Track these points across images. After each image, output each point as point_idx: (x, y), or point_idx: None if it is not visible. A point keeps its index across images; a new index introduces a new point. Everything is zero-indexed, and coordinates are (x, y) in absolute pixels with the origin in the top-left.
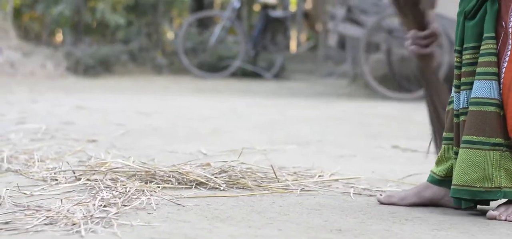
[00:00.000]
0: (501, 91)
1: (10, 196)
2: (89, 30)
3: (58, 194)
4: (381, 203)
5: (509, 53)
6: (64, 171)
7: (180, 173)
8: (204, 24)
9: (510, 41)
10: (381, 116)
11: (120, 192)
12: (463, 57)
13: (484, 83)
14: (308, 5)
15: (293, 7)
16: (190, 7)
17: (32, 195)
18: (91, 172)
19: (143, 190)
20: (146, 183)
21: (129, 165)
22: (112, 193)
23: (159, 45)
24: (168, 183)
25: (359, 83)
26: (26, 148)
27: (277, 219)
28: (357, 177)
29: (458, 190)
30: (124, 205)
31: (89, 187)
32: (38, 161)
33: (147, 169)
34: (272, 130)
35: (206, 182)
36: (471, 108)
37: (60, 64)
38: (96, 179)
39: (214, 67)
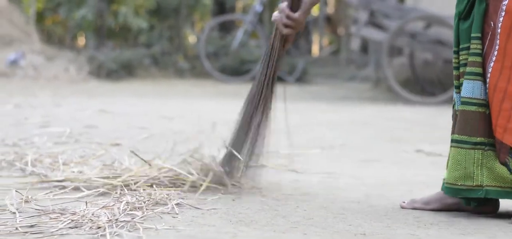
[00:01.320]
0: (486, 90)
1: (34, 199)
2: (111, 34)
3: (83, 198)
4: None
5: (495, 53)
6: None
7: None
8: (226, 28)
9: (497, 42)
10: (405, 120)
11: (144, 196)
12: (460, 58)
13: (468, 83)
14: (330, 9)
15: (315, 11)
16: (212, 11)
17: (56, 198)
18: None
19: (167, 194)
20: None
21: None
22: (136, 197)
23: (181, 49)
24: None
25: (382, 87)
26: (50, 152)
27: (302, 223)
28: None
29: (446, 188)
30: (149, 209)
31: (113, 191)
32: (62, 165)
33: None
34: (295, 134)
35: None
36: (459, 107)
37: (83, 68)
38: (121, 184)
39: (236, 71)
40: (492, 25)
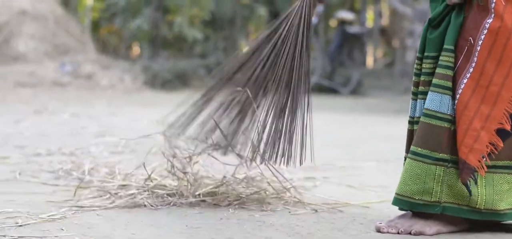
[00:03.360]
0: (454, 106)
1: (93, 209)
2: (166, 44)
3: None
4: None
5: (471, 70)
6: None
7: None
8: None
9: (475, 59)
10: None
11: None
12: (423, 66)
13: (436, 96)
14: (385, 21)
15: (369, 23)
16: (266, 21)
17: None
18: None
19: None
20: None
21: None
22: (192, 206)
23: None
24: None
25: None
26: (107, 161)
27: (359, 237)
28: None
29: (399, 199)
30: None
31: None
32: (119, 174)
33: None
34: (350, 147)
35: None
36: (421, 118)
37: (138, 78)
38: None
39: None
40: (471, 40)
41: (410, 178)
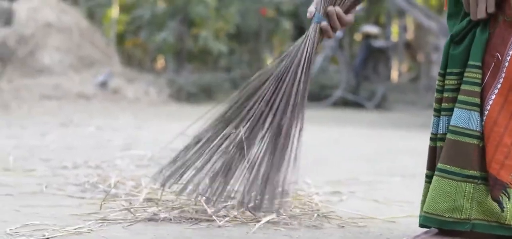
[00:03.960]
0: (483, 122)
1: (120, 222)
2: (191, 57)
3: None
4: None
5: (499, 86)
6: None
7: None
8: None
9: (502, 74)
10: None
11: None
12: (446, 82)
13: (463, 113)
14: (410, 36)
15: (394, 37)
16: (291, 35)
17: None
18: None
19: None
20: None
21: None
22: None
23: None
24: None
25: None
26: (133, 174)
27: None
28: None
29: (428, 218)
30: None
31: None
32: (144, 188)
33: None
34: (375, 161)
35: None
36: (448, 135)
37: (163, 91)
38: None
39: (316, 96)
40: (498, 56)
41: (439, 196)
